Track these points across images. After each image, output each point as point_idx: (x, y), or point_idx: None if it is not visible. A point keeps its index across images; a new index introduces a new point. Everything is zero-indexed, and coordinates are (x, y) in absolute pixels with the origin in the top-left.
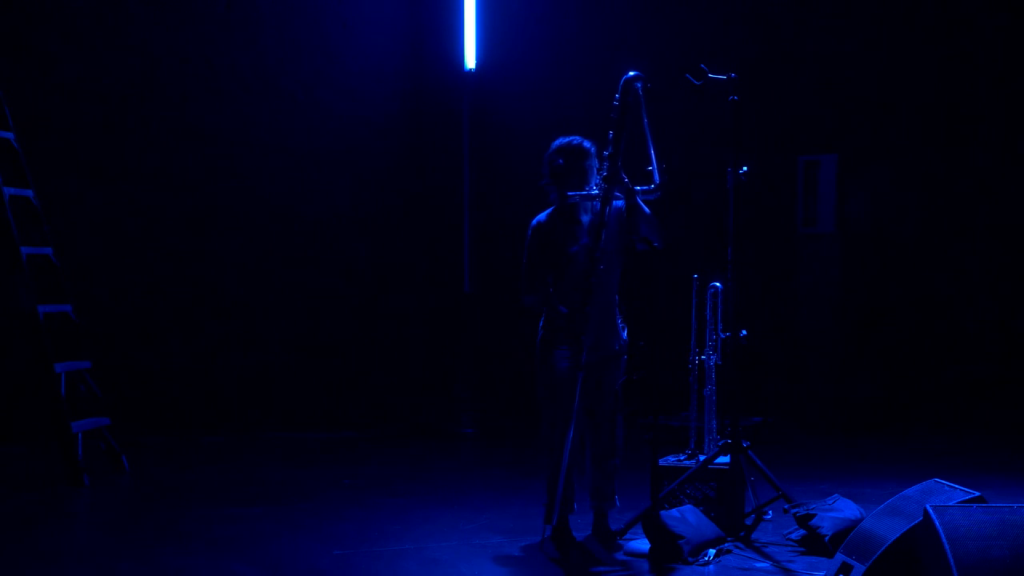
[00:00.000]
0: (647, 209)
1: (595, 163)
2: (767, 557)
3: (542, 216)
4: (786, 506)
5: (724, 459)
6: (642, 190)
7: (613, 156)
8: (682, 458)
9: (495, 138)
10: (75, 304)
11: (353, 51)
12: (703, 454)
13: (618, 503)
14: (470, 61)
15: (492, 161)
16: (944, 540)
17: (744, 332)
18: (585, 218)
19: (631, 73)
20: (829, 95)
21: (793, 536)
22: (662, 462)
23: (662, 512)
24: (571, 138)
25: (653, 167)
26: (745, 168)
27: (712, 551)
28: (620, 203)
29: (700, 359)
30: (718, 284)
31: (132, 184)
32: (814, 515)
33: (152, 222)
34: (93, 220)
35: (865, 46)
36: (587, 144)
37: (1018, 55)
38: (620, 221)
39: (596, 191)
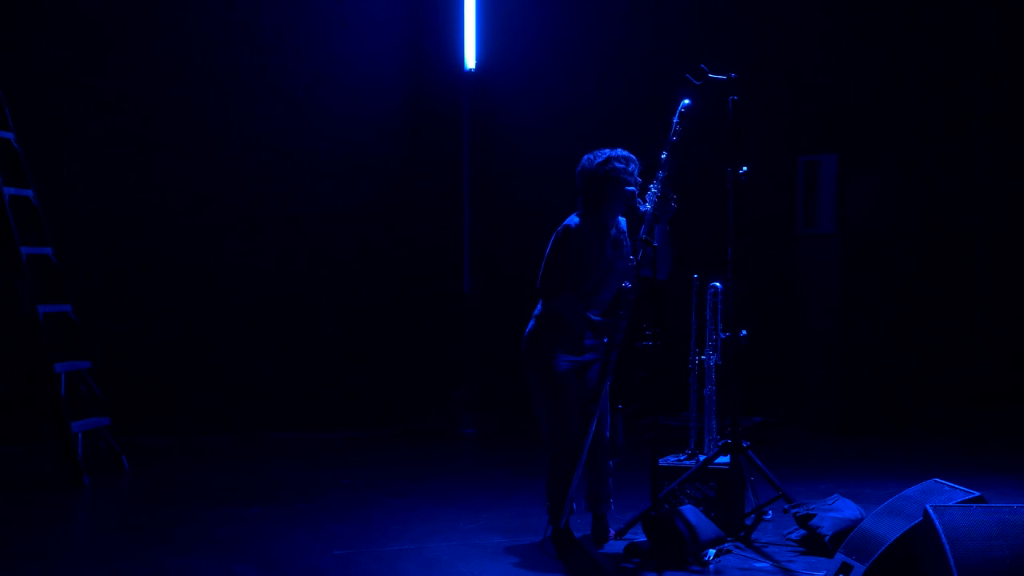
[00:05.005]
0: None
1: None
2: (767, 557)
3: (575, 220)
4: (786, 506)
5: (724, 459)
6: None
7: (665, 179)
8: (682, 458)
9: (495, 138)
10: (75, 304)
11: (353, 51)
12: (703, 454)
13: (612, 505)
14: (470, 61)
15: (492, 161)
16: (944, 540)
17: (744, 332)
18: (612, 232)
19: (687, 101)
20: (829, 95)
21: (793, 536)
22: (662, 462)
23: (667, 511)
24: (617, 148)
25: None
26: (745, 168)
27: (712, 551)
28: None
29: (700, 359)
30: (718, 284)
31: (132, 184)
32: (814, 515)
33: (152, 221)
34: (93, 220)
35: (865, 46)
36: (636, 158)
37: (1018, 54)
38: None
39: (647, 207)
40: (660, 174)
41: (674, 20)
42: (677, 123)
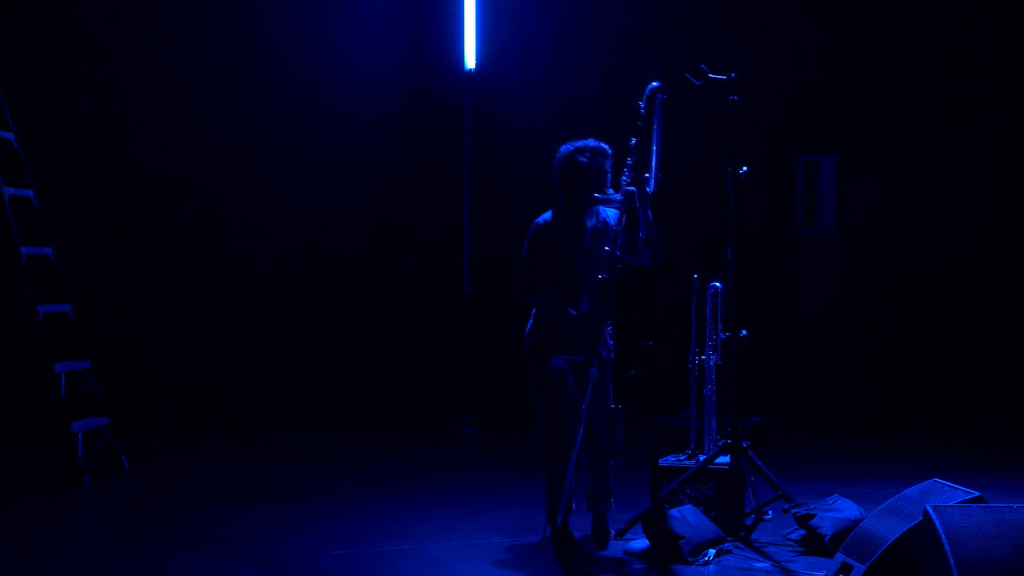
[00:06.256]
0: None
1: (610, 167)
2: (767, 557)
3: (547, 216)
4: (786, 506)
5: (724, 459)
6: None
7: (636, 165)
8: (682, 458)
9: (495, 138)
10: (75, 304)
11: (353, 51)
12: (703, 454)
13: (613, 504)
14: (470, 61)
15: (492, 161)
16: (944, 540)
17: (744, 332)
18: (590, 223)
19: (654, 84)
20: (829, 95)
21: (793, 536)
22: (662, 462)
23: (666, 511)
24: (588, 140)
25: (651, 174)
26: (745, 168)
27: (712, 551)
28: (616, 213)
29: (700, 359)
30: (718, 284)
31: (132, 184)
32: (814, 515)
33: (152, 222)
34: (93, 220)
35: (865, 46)
36: (606, 147)
37: (1018, 55)
38: (621, 231)
39: (618, 196)
40: (629, 160)
41: (674, 20)
42: (643, 108)
